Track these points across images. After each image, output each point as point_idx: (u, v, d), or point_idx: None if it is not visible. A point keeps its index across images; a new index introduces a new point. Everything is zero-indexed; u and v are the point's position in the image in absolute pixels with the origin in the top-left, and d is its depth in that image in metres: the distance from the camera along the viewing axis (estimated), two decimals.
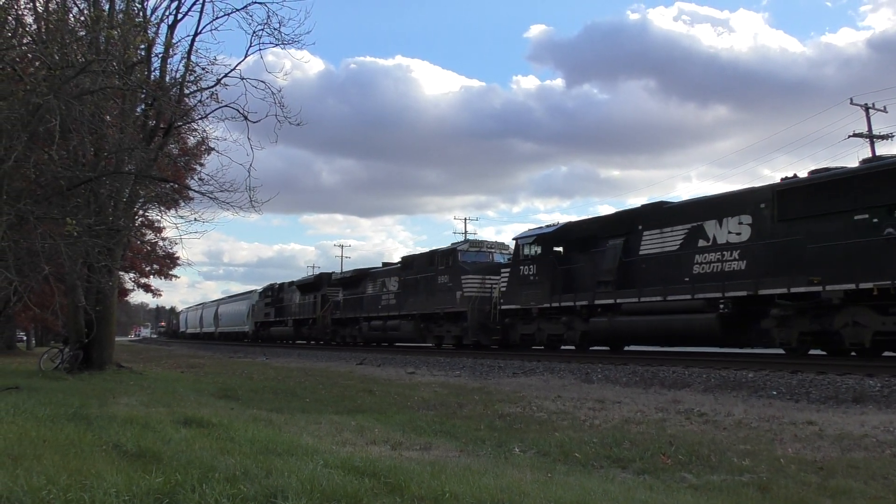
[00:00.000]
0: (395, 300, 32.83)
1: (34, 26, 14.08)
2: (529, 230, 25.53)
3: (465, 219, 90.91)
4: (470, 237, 61.40)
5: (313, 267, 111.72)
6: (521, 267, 24.30)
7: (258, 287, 59.52)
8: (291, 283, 48.93)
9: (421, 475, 5.17)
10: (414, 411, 10.65)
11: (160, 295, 56.21)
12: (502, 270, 25.85)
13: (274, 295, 51.33)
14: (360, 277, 37.65)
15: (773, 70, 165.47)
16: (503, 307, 24.83)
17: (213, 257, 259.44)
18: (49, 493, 4.45)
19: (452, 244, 31.14)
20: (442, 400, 12.09)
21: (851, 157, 41.52)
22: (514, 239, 26.11)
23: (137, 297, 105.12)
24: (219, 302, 73.67)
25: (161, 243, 34.82)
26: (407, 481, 4.92)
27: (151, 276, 40.47)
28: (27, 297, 16.89)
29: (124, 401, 11.35)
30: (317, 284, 43.69)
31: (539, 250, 23.87)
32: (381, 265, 38.43)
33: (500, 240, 51.40)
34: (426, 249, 32.66)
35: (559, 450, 7.22)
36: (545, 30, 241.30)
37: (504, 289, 25.03)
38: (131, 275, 38.03)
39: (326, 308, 40.52)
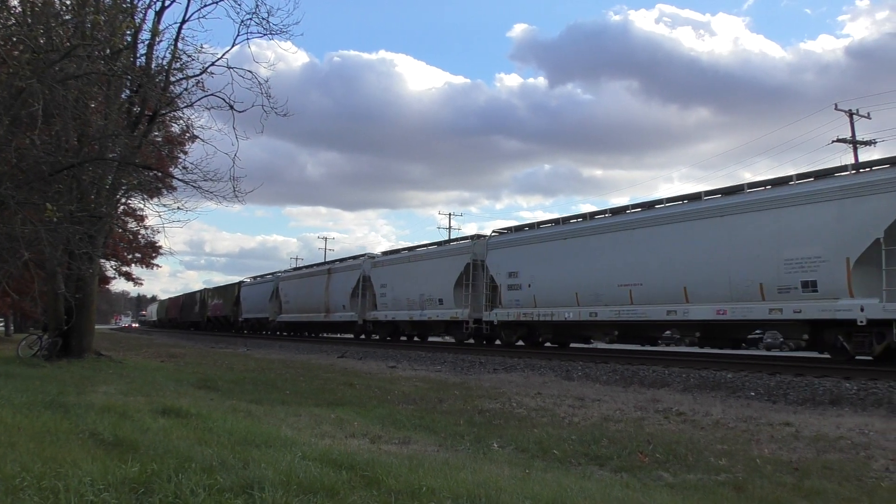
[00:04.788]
0: None
1: (19, 8, 13.91)
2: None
3: (450, 214, 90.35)
4: (454, 233, 59.16)
5: (296, 259, 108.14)
6: None
7: None
8: None
9: (399, 469, 5.17)
10: (394, 405, 10.65)
11: (141, 284, 51.97)
12: None
13: None
14: None
15: (754, 74, 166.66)
16: None
17: (194, 247, 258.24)
18: (23, 481, 4.41)
19: None
20: (422, 394, 12.10)
21: (833, 163, 41.87)
22: None
23: (118, 285, 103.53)
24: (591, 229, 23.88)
25: (143, 232, 34.58)
26: (384, 475, 4.91)
27: (133, 265, 40.21)
28: (6, 282, 16.73)
29: (102, 389, 11.27)
30: None
31: None
32: None
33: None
34: None
35: (538, 446, 7.24)
36: (528, 29, 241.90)
37: None
38: (113, 263, 37.74)
39: None
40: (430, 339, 32.40)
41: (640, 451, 6.95)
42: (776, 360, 16.24)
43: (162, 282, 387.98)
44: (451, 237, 31.08)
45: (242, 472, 4.82)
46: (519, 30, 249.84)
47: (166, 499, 4.18)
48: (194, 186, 16.55)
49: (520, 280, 23.90)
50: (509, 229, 26.02)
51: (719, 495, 5.33)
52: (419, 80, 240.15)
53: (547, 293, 22.61)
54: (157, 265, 41.74)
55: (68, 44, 12.75)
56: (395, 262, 31.85)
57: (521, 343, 25.91)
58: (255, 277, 54.09)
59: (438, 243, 31.15)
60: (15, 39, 13.33)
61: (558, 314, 22.00)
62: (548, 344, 25.43)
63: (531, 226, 25.01)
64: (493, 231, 26.79)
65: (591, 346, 25.28)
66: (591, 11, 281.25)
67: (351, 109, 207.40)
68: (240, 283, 54.91)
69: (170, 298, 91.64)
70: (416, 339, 32.81)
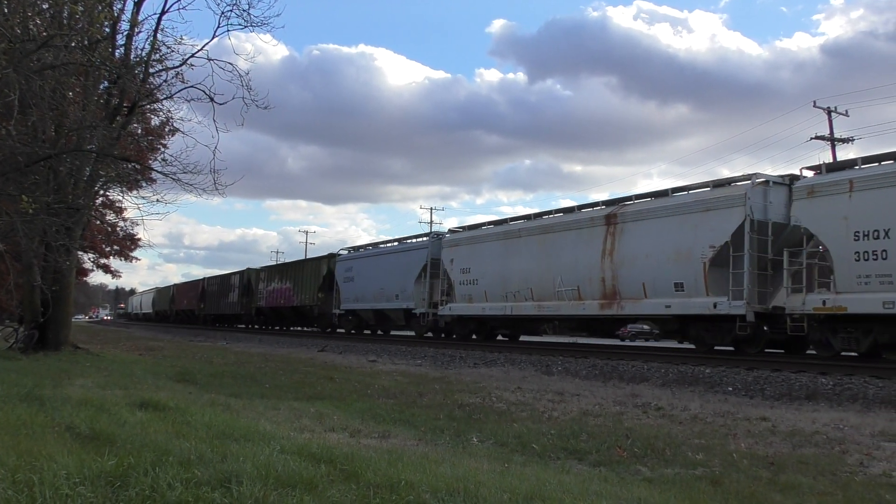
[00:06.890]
0: None
1: None
2: None
3: (431, 209, 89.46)
4: (437, 227, 57.91)
5: (277, 252, 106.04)
6: None
7: None
8: None
9: (378, 463, 5.16)
10: (374, 399, 10.64)
11: (119, 276, 50.39)
12: None
13: None
14: None
15: (731, 71, 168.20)
16: None
17: (173, 240, 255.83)
18: None
19: None
20: (402, 389, 12.10)
21: (812, 160, 42.24)
22: None
23: (96, 277, 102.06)
24: None
25: (122, 224, 34.26)
26: (363, 469, 4.90)
27: (111, 257, 39.82)
28: None
29: (79, 382, 11.16)
30: None
31: None
32: None
33: None
34: None
35: (517, 441, 7.26)
36: (506, 25, 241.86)
37: None
38: (90, 255, 37.36)
39: None
40: None
41: (618, 446, 6.99)
42: (754, 356, 16.38)
43: (140, 274, 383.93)
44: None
45: (220, 465, 4.79)
46: (498, 25, 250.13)
47: (143, 492, 4.14)
48: (174, 179, 16.38)
49: None
50: None
51: (696, 489, 5.37)
52: (399, 74, 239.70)
53: None
54: (136, 258, 41.34)
55: (45, 33, 12.58)
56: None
57: None
58: (357, 248, 34.97)
59: None
60: None
61: None
62: None
63: None
64: None
65: None
66: (570, 8, 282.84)
67: (331, 103, 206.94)
68: (331, 255, 36.50)
69: (177, 284, 71.50)
70: None
